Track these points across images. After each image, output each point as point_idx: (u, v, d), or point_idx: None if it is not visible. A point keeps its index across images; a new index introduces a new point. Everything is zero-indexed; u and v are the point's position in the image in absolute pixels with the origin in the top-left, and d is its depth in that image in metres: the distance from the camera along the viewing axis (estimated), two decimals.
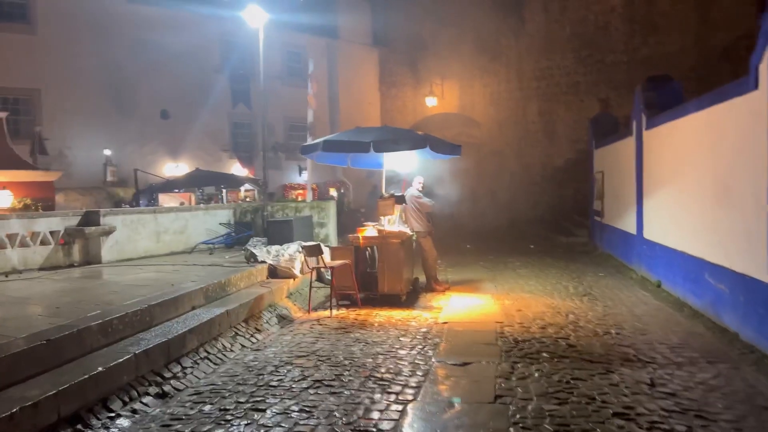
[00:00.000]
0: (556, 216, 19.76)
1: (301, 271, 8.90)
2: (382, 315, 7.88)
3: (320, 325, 7.41)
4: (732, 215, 6.31)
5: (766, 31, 5.51)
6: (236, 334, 6.65)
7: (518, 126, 23.33)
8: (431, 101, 24.51)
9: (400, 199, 8.92)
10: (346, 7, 25.42)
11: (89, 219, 9.43)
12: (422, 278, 9.99)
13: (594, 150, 15.63)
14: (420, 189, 9.73)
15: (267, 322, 7.39)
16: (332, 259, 8.67)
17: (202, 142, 21.48)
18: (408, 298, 8.82)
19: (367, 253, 9.18)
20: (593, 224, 15.58)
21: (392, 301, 8.57)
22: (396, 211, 9.27)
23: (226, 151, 22.07)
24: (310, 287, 8.22)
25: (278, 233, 10.05)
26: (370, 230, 8.87)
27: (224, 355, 6.08)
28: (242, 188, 20.29)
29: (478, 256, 14.17)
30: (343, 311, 8.19)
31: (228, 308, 6.75)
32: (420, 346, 6.25)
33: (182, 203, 17.88)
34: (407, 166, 10.40)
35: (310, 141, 9.44)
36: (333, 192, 25.15)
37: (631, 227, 11.17)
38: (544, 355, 5.83)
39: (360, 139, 8.25)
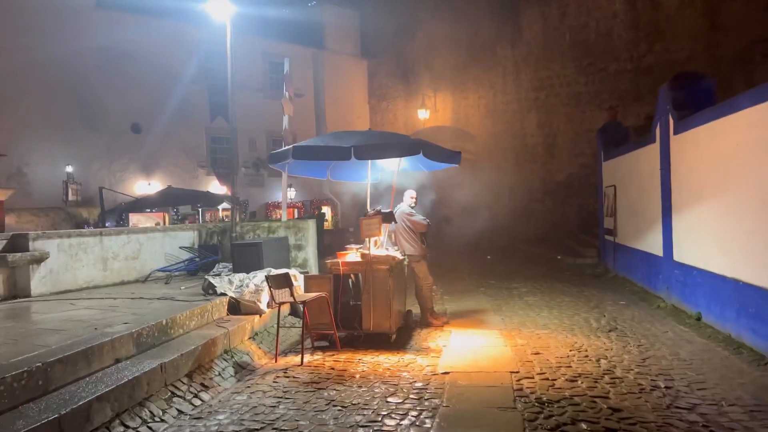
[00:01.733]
0: (560, 235, 18.31)
1: (269, 306, 7.34)
2: (366, 361, 6.32)
3: (287, 377, 5.83)
4: None
5: None
6: (173, 394, 5.07)
7: (516, 139, 21.99)
8: (423, 114, 23.19)
9: (388, 217, 7.41)
10: (333, 16, 24.21)
11: (16, 244, 7.85)
12: (416, 310, 8.45)
13: (602, 162, 14.23)
14: (412, 205, 8.24)
15: (220, 374, 5.81)
16: (307, 290, 7.13)
17: (177, 158, 19.99)
18: (399, 337, 7.27)
19: (349, 282, 7.65)
20: (604, 244, 14.12)
21: (379, 341, 7.02)
22: (384, 231, 7.76)
23: (203, 168, 20.55)
24: (278, 327, 6.64)
25: (244, 258, 8.49)
26: (352, 255, 7.34)
27: (150, 428, 4.50)
28: (220, 207, 18.72)
29: (478, 281, 12.65)
30: (318, 356, 6.61)
31: (164, 360, 5.18)
32: (414, 413, 4.68)
33: (157, 224, 16.31)
34: (397, 178, 8.93)
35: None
36: (324, 210, 23.62)
37: (655, 248, 9.70)
38: (583, 426, 4.29)
39: (339, 144, 6.76)
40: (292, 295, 6.30)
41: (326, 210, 23.44)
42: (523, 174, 21.64)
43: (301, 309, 6.72)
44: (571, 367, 5.84)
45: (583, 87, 20.54)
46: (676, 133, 8.58)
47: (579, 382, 5.34)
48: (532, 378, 5.49)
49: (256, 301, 7.23)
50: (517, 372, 5.68)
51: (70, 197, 16.87)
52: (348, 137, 7.14)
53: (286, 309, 8.26)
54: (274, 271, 7.34)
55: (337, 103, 24.16)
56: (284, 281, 6.30)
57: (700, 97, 8.48)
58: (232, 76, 10.34)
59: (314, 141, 7.03)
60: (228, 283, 7.56)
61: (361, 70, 24.95)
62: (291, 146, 6.92)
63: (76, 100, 17.55)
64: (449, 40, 22.78)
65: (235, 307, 7.29)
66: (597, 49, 20.14)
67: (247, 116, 19.84)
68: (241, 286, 7.49)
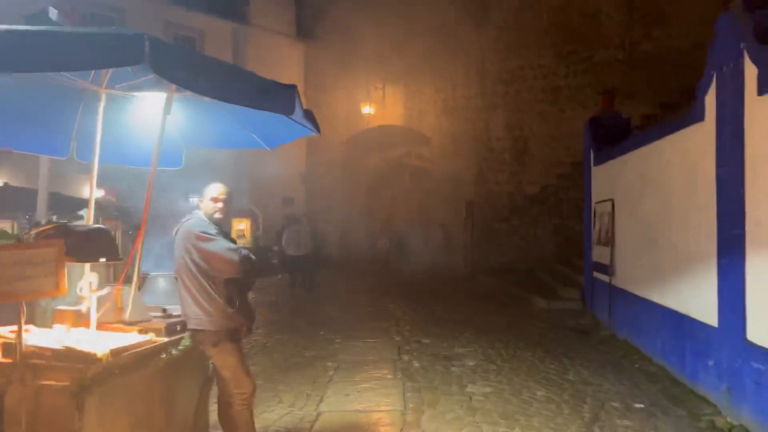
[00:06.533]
0: (531, 265, 14.10)
1: None
2: None
3: None
4: None
5: None
6: None
7: (479, 143, 17.84)
8: (368, 109, 18.91)
9: (86, 247, 2.95)
10: None
11: None
12: None
13: (593, 167, 10.10)
14: (217, 215, 3.80)
15: None
16: None
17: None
18: None
19: None
20: (592, 283, 9.90)
21: None
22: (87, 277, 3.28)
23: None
24: None
25: None
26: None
27: None
28: (82, 213, 14.01)
29: (408, 338, 8.28)
30: None
31: None
32: None
33: None
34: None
35: None
36: (241, 225, 19.08)
37: (698, 310, 5.47)
38: None
39: None
40: None
41: (243, 225, 18.92)
42: (486, 186, 17.49)
43: None
44: None
45: (562, 80, 16.53)
46: (762, 92, 4.37)
47: None
48: None
49: None
50: None
51: None
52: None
53: None
54: None
55: None
56: None
57: None
58: None
59: None
60: None
61: (296, 53, 20.55)
62: None
63: None
64: (403, 21, 18.60)
65: None
66: (581, 33, 16.17)
67: None
68: None
